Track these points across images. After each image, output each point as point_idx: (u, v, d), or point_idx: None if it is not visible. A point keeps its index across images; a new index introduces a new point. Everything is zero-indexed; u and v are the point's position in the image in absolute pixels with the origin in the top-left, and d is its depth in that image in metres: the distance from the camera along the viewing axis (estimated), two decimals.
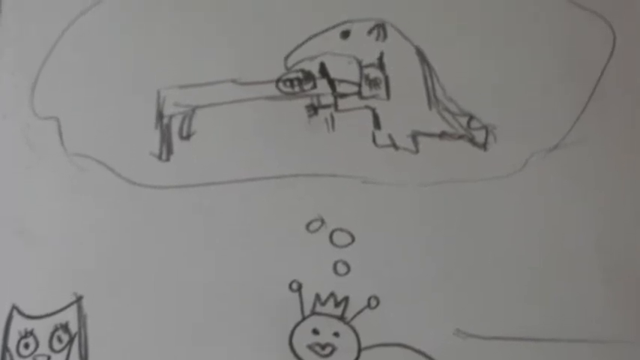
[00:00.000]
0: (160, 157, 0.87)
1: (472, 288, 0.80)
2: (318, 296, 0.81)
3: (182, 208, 0.85)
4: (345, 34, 0.89)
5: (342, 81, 0.88)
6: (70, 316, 0.82)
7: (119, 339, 0.82)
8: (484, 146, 0.85)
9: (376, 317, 0.80)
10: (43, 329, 0.82)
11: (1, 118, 0.90)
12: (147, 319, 0.82)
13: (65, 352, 0.81)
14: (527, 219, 0.82)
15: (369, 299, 0.81)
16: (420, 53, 0.88)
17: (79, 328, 0.82)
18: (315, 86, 0.88)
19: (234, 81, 0.88)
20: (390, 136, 0.85)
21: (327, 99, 0.87)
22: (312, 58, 0.89)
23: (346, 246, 0.82)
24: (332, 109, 0.87)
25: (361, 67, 0.88)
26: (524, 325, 0.79)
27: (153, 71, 0.90)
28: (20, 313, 0.83)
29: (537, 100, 0.86)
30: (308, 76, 0.88)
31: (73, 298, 0.83)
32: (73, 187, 0.87)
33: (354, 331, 0.80)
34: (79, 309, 0.82)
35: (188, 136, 0.87)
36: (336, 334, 0.80)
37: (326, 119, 0.87)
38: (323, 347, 0.79)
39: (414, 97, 0.87)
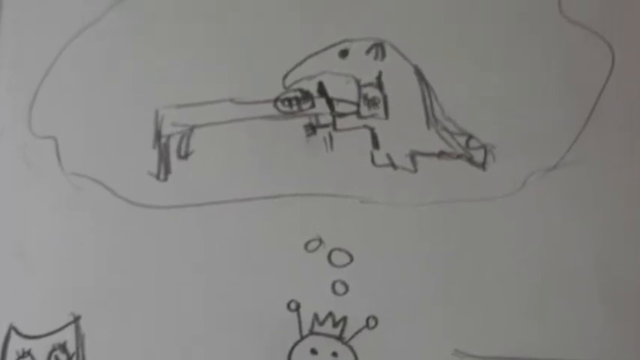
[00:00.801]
0: (157, 177, 0.89)
1: (471, 308, 0.82)
2: (316, 316, 0.82)
3: (180, 228, 0.87)
4: (344, 54, 0.91)
5: (340, 100, 0.89)
6: (68, 336, 0.84)
7: (117, 359, 0.84)
8: (483, 166, 0.86)
9: (375, 337, 0.82)
10: (40, 349, 0.84)
11: None
12: (145, 339, 0.84)
13: None
14: (526, 239, 0.83)
15: (368, 319, 0.82)
16: (418, 72, 0.89)
17: (77, 348, 0.84)
18: (313, 105, 0.89)
19: (232, 100, 0.90)
20: (388, 156, 0.87)
21: (326, 118, 0.89)
22: (310, 78, 0.90)
23: (345, 266, 0.84)
24: (330, 129, 0.88)
25: (360, 86, 0.89)
26: (523, 344, 0.80)
27: (151, 90, 0.92)
28: (18, 332, 0.85)
29: (536, 120, 0.87)
30: (306, 96, 0.89)
31: (71, 318, 0.85)
32: (71, 207, 0.89)
33: (353, 351, 0.81)
34: (77, 329, 0.84)
35: (186, 156, 0.89)
36: (335, 354, 0.82)
37: (324, 139, 0.88)
38: None
39: (413, 116, 0.88)
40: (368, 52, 0.91)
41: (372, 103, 0.89)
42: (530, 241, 0.83)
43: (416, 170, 0.87)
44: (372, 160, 0.87)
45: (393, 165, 0.87)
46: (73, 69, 0.94)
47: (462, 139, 0.87)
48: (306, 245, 0.85)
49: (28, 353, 0.84)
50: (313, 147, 0.88)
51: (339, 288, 0.84)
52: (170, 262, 0.86)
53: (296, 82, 0.90)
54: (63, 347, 0.84)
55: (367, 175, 0.87)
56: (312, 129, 0.89)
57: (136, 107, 0.91)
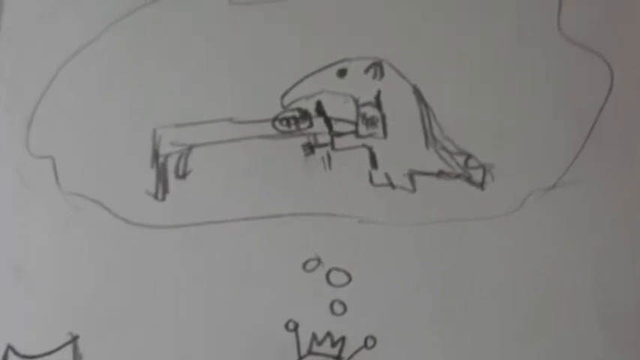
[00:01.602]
0: (155, 197, 0.91)
1: (469, 328, 0.84)
2: (314, 336, 0.84)
3: (178, 248, 0.88)
4: (342, 73, 0.92)
5: (338, 120, 0.91)
6: (66, 356, 0.86)
7: None
8: (481, 185, 0.88)
9: (373, 357, 0.83)
10: None
11: None
12: (143, 358, 0.86)
13: None
14: (525, 259, 0.85)
15: (366, 339, 0.84)
16: (417, 92, 0.91)
17: None
18: (311, 125, 0.91)
19: (230, 120, 0.92)
20: (386, 175, 0.89)
21: (324, 138, 0.90)
22: (308, 97, 0.92)
23: (343, 285, 0.86)
24: (329, 148, 0.90)
25: (358, 105, 0.91)
26: None
27: (149, 110, 0.93)
28: (15, 352, 0.86)
29: (535, 140, 0.88)
30: (304, 115, 0.91)
31: (69, 338, 0.86)
32: (68, 227, 0.90)
33: None
34: (75, 348, 0.86)
35: (184, 175, 0.91)
36: None
37: (322, 158, 0.90)
38: None
39: (411, 136, 0.90)
40: (366, 71, 0.92)
41: (370, 122, 0.90)
42: (529, 261, 0.85)
43: (414, 190, 0.88)
44: (371, 180, 0.89)
45: (391, 184, 0.89)
46: (71, 88, 0.95)
47: (461, 159, 0.89)
48: (304, 265, 0.87)
49: None
50: (311, 166, 0.90)
51: (338, 308, 0.85)
52: (168, 282, 0.87)
53: (294, 101, 0.92)
54: None
55: (365, 195, 0.88)
56: (310, 148, 0.90)
57: (134, 126, 0.93)
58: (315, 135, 0.91)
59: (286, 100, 0.92)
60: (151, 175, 0.92)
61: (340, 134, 0.91)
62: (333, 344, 0.84)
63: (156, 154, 0.92)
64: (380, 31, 0.94)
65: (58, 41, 0.97)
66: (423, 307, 0.85)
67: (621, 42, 0.91)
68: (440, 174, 0.89)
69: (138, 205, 0.90)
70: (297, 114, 0.92)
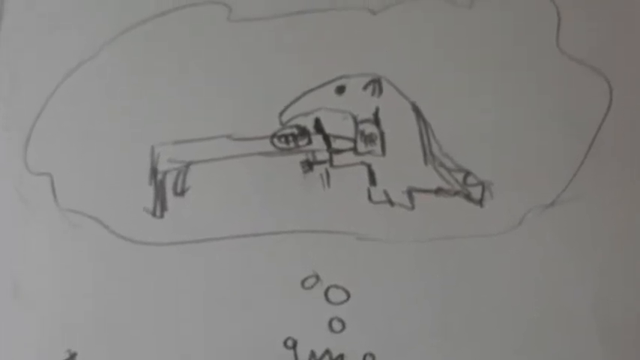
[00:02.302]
0: (154, 214, 0.92)
1: (469, 345, 0.85)
2: (313, 353, 0.86)
3: (176, 265, 0.90)
4: (341, 90, 0.94)
5: (337, 137, 0.92)
6: None
7: None
8: (480, 202, 0.89)
9: None
10: None
11: None
12: None
13: None
14: (524, 276, 0.86)
15: (365, 356, 0.85)
16: (415, 109, 0.92)
17: None
18: (310, 142, 0.92)
19: (228, 137, 0.93)
20: (385, 192, 0.90)
21: (323, 155, 0.92)
22: (307, 114, 0.93)
23: (341, 303, 0.87)
24: (327, 165, 0.91)
25: (357, 122, 0.92)
26: None
27: (147, 127, 0.95)
28: None
29: (534, 157, 0.90)
30: (303, 132, 0.92)
31: (67, 356, 0.88)
32: (67, 243, 0.92)
33: None
34: None
35: (182, 192, 0.92)
36: None
37: (321, 175, 0.91)
38: None
39: (410, 153, 0.91)
40: (365, 88, 0.93)
41: (369, 139, 0.92)
42: (528, 278, 0.86)
43: (413, 207, 0.90)
44: (369, 197, 0.90)
45: (390, 202, 0.90)
46: (69, 105, 0.97)
47: (460, 176, 0.90)
48: (302, 282, 0.88)
49: None
50: (310, 183, 0.91)
51: (336, 325, 0.87)
52: (167, 299, 0.89)
53: (293, 118, 0.93)
54: None
55: (364, 212, 0.90)
56: (308, 165, 0.92)
57: (132, 143, 0.94)
58: (313, 152, 0.92)
59: (285, 117, 0.94)
60: (149, 192, 0.93)
61: (339, 151, 0.92)
62: None
63: (154, 171, 0.93)
64: (378, 48, 0.95)
65: (56, 58, 0.98)
66: (421, 325, 0.86)
67: (620, 58, 0.93)
68: (438, 191, 0.90)
69: (136, 222, 0.92)
70: (295, 131, 0.93)
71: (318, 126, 0.93)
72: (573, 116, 0.91)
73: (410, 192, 0.90)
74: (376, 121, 0.93)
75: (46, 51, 0.99)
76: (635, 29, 0.94)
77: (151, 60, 0.98)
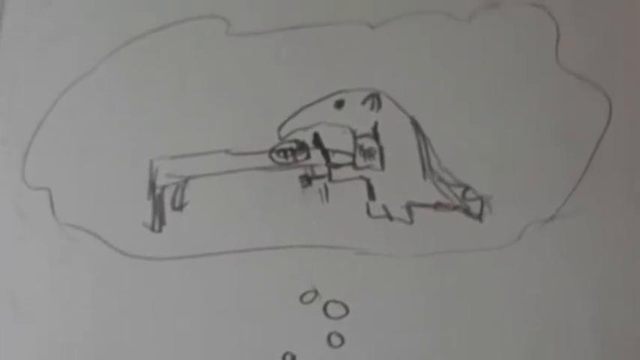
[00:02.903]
0: (152, 228, 0.93)
1: None
2: None
3: (174, 280, 0.91)
4: (339, 104, 0.95)
5: (336, 151, 0.93)
6: None
7: None
8: (479, 217, 0.90)
9: None
10: None
11: None
12: None
13: None
14: (524, 290, 0.87)
15: None
16: (414, 123, 0.93)
17: None
18: (308, 156, 0.93)
19: (227, 151, 0.94)
20: (384, 207, 0.91)
21: (321, 169, 0.93)
22: (305, 128, 0.94)
23: (340, 318, 0.88)
24: (326, 180, 0.93)
25: (355, 137, 0.94)
26: None
27: (145, 141, 0.96)
28: None
29: (533, 171, 0.91)
30: (302, 147, 0.94)
31: None
32: (65, 258, 0.93)
33: None
34: None
35: (181, 207, 0.94)
36: None
37: (320, 190, 0.92)
38: None
39: (409, 167, 0.92)
40: (364, 102, 0.95)
41: (367, 154, 0.93)
42: (528, 292, 0.87)
43: (412, 221, 0.91)
44: (368, 212, 0.91)
45: (389, 216, 0.91)
46: (67, 119, 0.98)
47: (459, 191, 0.91)
48: (301, 297, 0.89)
49: None
50: (309, 198, 0.92)
51: (335, 340, 0.88)
52: (165, 313, 0.90)
53: (291, 132, 0.94)
54: None
55: (363, 227, 0.91)
56: (307, 180, 0.93)
57: (130, 158, 0.96)
58: (312, 166, 0.93)
59: (283, 132, 0.95)
60: (148, 206, 0.94)
61: (338, 166, 0.93)
62: None
63: (152, 186, 0.95)
64: (377, 62, 0.96)
65: (54, 72, 1.00)
66: (421, 339, 0.87)
67: (619, 73, 0.94)
68: (437, 205, 0.91)
69: (134, 237, 0.93)
70: (294, 145, 0.94)
71: (317, 140, 0.94)
72: (573, 130, 0.92)
73: (409, 206, 0.91)
74: (375, 135, 0.94)
75: (45, 65, 1.01)
76: (634, 44, 0.95)
77: (149, 74, 0.99)
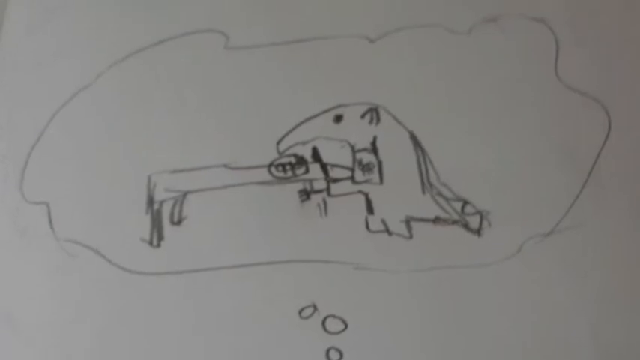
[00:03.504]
0: (150, 243, 0.94)
1: None
2: None
3: (173, 294, 0.92)
4: (338, 119, 0.96)
5: (334, 166, 0.94)
6: None
7: None
8: (478, 232, 0.91)
9: None
10: None
11: None
12: None
13: None
14: (522, 305, 0.88)
15: None
16: (413, 138, 0.95)
17: None
18: (307, 171, 0.94)
19: (225, 166, 0.95)
20: (383, 222, 0.92)
21: (320, 184, 0.94)
22: (304, 143, 0.95)
23: (339, 333, 0.89)
24: (325, 194, 0.94)
25: (354, 151, 0.95)
26: None
27: (143, 156, 0.97)
28: None
29: (532, 186, 0.92)
30: (300, 161, 0.95)
31: None
32: (63, 273, 0.94)
33: None
34: None
35: (179, 222, 0.95)
36: None
37: (318, 204, 0.94)
38: None
39: (408, 182, 0.93)
40: (363, 116, 0.96)
41: (366, 168, 0.94)
42: (527, 307, 0.88)
43: (411, 236, 0.92)
44: (367, 226, 0.93)
45: (388, 231, 0.92)
46: (65, 134, 0.99)
47: (458, 205, 0.92)
48: (300, 312, 0.90)
49: None
50: (307, 213, 0.93)
51: (334, 355, 0.89)
52: (163, 329, 0.91)
53: (290, 147, 0.96)
54: None
55: (362, 241, 0.92)
56: (306, 194, 0.94)
57: (129, 173, 0.97)
58: (311, 181, 0.94)
59: (282, 146, 0.96)
60: (146, 221, 0.95)
61: (336, 180, 0.94)
62: None
63: (151, 201, 0.96)
64: (376, 76, 0.98)
65: (52, 87, 1.01)
66: (420, 354, 0.88)
67: (618, 87, 0.95)
68: (436, 220, 0.92)
69: (133, 252, 0.94)
70: (292, 160, 0.95)
71: (316, 155, 0.95)
72: (572, 145, 0.94)
73: (408, 221, 0.92)
74: (374, 150, 0.95)
75: (43, 80, 1.02)
76: (633, 58, 0.96)
77: (147, 89, 1.01)
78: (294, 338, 0.90)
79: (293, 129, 0.97)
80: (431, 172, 0.94)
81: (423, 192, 0.94)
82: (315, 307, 0.91)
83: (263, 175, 0.95)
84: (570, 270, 0.89)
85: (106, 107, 1.01)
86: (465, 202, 0.93)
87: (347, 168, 0.95)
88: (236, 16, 1.02)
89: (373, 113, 0.96)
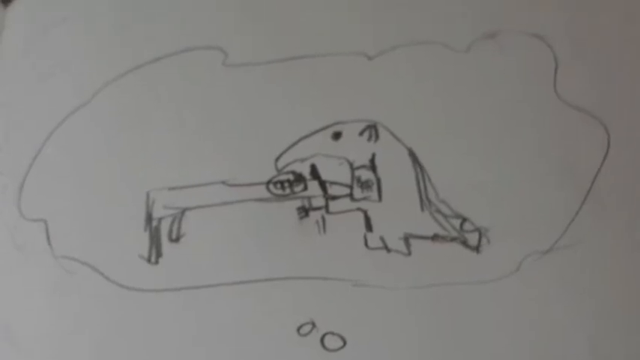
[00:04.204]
0: (149, 260, 0.95)
1: None
2: None
3: (171, 312, 0.93)
4: (337, 135, 0.97)
5: (333, 183, 0.95)
6: None
7: None
8: (477, 249, 0.92)
9: None
10: None
11: None
12: None
13: None
14: (521, 322, 0.89)
15: None
16: (412, 155, 0.96)
17: None
18: (305, 188, 0.96)
19: (224, 183, 0.97)
20: (382, 239, 0.93)
21: (318, 201, 0.95)
22: (302, 160, 0.96)
23: (338, 350, 0.90)
24: (323, 211, 0.95)
25: (353, 168, 0.96)
26: None
27: (142, 173, 0.98)
28: None
29: (531, 203, 0.93)
30: (299, 178, 0.96)
31: None
32: (61, 290, 0.95)
33: None
34: None
35: (177, 239, 0.96)
36: None
37: (317, 221, 0.95)
38: None
39: (407, 199, 0.94)
40: (361, 133, 0.97)
41: (365, 185, 0.95)
42: (526, 324, 0.89)
43: (410, 253, 0.93)
44: (366, 243, 0.94)
45: (386, 248, 0.93)
46: (63, 151, 1.00)
47: (457, 222, 0.93)
48: (298, 329, 0.91)
49: None
50: (306, 230, 0.94)
51: None
52: (161, 347, 0.92)
53: (288, 164, 0.96)
54: None
55: (360, 259, 0.93)
56: (304, 212, 0.95)
57: (127, 190, 0.98)
58: (309, 198, 0.96)
59: (280, 163, 0.97)
60: (144, 238, 0.96)
61: (335, 197, 0.95)
62: None
63: (149, 218, 0.97)
64: (375, 93, 0.99)
65: (50, 104, 1.02)
66: None
67: (618, 104, 0.96)
68: (435, 237, 0.93)
69: (131, 269, 0.95)
70: (291, 177, 0.96)
71: (314, 172, 0.96)
72: (571, 162, 0.94)
73: (406, 238, 0.94)
74: (372, 167, 0.96)
75: (41, 97, 1.04)
76: (633, 75, 0.97)
77: (145, 105, 1.02)
78: (293, 355, 0.91)
79: (291, 146, 0.98)
80: (429, 188, 0.95)
81: (422, 209, 0.94)
82: (313, 324, 0.92)
83: (261, 192, 0.96)
84: (569, 287, 0.90)
85: (104, 124, 1.02)
86: (464, 219, 0.94)
87: (345, 185, 0.96)
88: (235, 33, 1.03)
89: (372, 130, 0.97)
